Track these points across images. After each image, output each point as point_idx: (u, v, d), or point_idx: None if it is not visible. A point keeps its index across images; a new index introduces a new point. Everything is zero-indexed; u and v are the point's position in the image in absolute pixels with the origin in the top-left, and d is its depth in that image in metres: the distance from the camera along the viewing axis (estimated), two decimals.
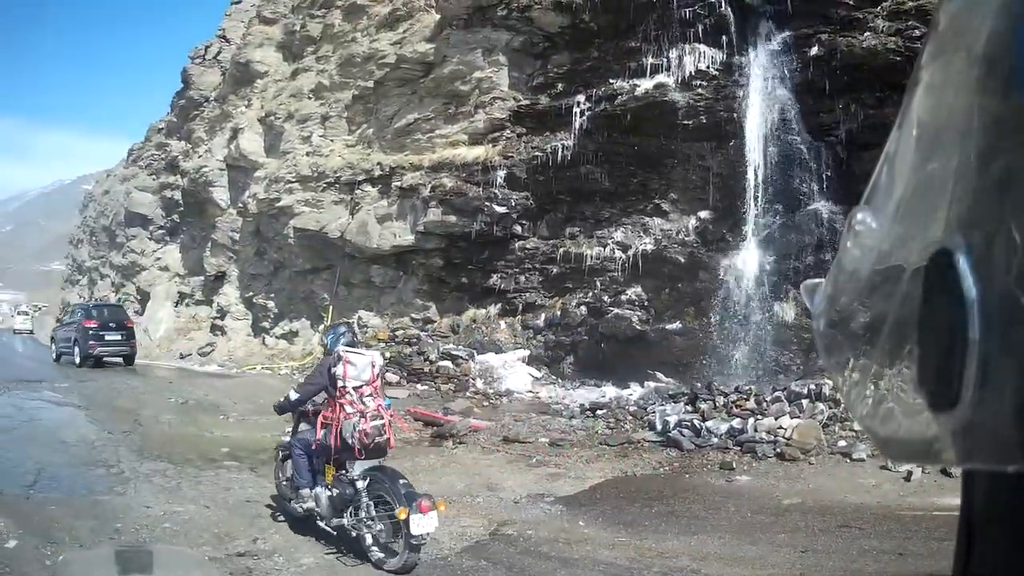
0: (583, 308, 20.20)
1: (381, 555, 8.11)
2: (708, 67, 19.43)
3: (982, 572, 0.84)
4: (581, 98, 20.73)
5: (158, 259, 42.49)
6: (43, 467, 12.64)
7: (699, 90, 19.35)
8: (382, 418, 8.31)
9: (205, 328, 36.11)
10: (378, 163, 25.87)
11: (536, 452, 14.09)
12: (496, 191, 21.59)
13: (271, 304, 31.35)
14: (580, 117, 20.53)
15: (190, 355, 33.46)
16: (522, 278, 21.57)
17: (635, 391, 17.85)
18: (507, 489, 11.70)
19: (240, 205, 33.24)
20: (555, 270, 20.95)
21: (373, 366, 8.63)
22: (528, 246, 21.57)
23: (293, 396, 9.06)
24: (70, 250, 70.49)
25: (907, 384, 0.74)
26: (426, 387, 20.26)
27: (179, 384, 24.26)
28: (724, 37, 19.43)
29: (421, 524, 7.63)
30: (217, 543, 8.83)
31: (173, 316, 38.28)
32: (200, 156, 37.78)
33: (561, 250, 20.74)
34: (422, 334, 22.53)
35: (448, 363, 20.50)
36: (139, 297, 43.26)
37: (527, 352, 20.51)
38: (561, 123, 20.98)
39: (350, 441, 8.15)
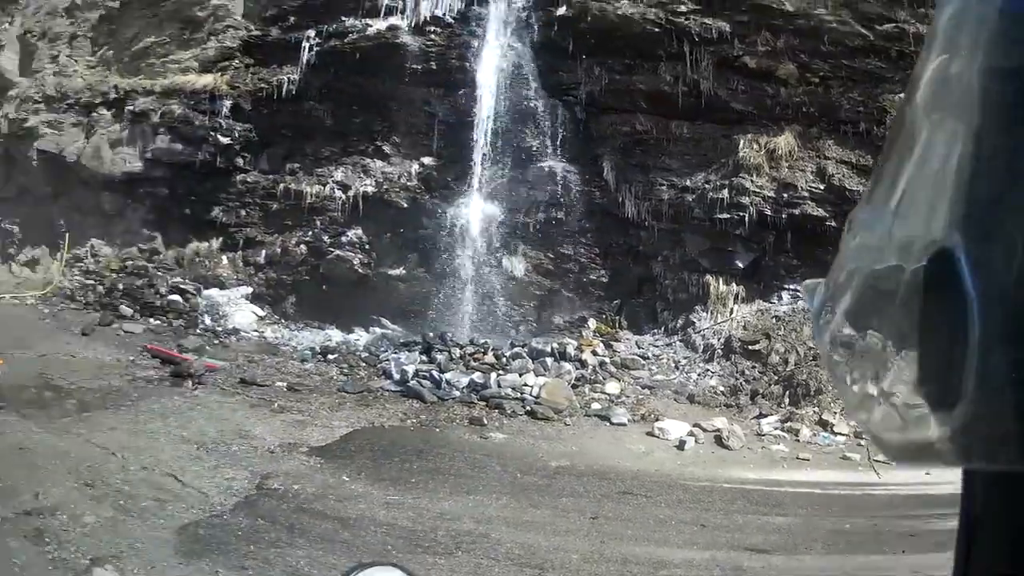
0: (303, 247, 19.25)
1: None
2: (444, 14, 18.54)
3: (982, 572, 0.82)
4: (311, 32, 19.44)
5: None
6: None
7: (432, 36, 18.46)
8: None
9: None
10: (114, 86, 23.97)
11: (276, 397, 13.37)
12: (221, 121, 20.28)
13: (16, 230, 28.54)
14: (308, 52, 19.32)
15: None
16: (243, 212, 20.36)
17: (361, 336, 17.16)
18: (258, 437, 11.14)
19: None
20: (275, 206, 19.86)
21: None
22: (249, 180, 20.36)
23: None
24: None
25: (907, 384, 0.71)
26: (159, 322, 18.82)
27: None
28: None
29: None
30: (3, 499, 8.09)
31: None
32: None
33: (281, 186, 19.63)
34: (149, 266, 21.22)
35: (178, 297, 19.29)
36: None
37: (250, 289, 19.45)
38: (289, 57, 19.67)
39: None
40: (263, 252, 19.88)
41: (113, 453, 9.90)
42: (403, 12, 18.81)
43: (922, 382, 0.68)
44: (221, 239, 20.73)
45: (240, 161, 20.44)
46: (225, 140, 20.22)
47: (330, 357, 15.77)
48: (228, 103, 20.32)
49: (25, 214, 28.30)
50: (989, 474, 0.76)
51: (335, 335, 17.36)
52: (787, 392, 13.55)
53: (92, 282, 22.15)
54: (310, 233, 19.21)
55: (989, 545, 0.81)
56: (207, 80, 21.05)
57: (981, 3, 0.68)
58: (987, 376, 0.60)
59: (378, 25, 18.83)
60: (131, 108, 22.68)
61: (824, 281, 1.03)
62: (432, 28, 18.56)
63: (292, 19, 20.54)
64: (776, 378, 13.97)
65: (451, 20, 18.60)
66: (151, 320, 19.03)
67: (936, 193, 0.69)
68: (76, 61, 26.60)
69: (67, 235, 24.60)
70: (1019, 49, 0.63)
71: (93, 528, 7.62)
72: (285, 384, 14.06)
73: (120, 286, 20.65)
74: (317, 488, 9.28)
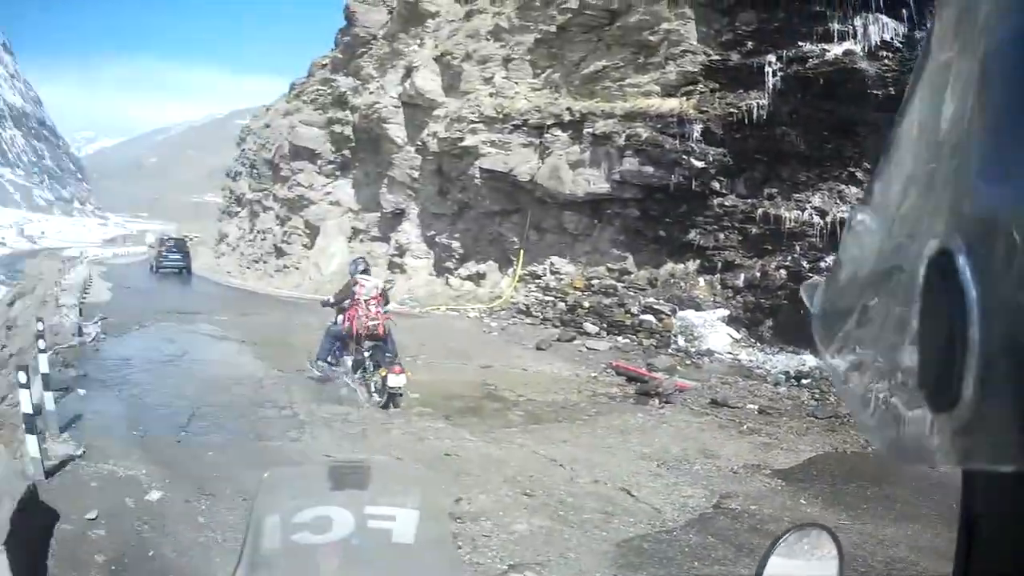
0: (782, 272, 20.33)
1: (377, 398, 13.57)
2: (892, 39, 19.51)
3: (982, 572, 0.90)
4: (772, 58, 20.90)
5: (328, 193, 43.25)
6: (200, 407, 12.55)
7: (885, 61, 19.50)
8: (376, 319, 14.26)
9: (382, 265, 36.26)
10: (567, 108, 26.09)
11: (746, 418, 13.78)
12: (693, 145, 21.88)
13: (455, 244, 31.78)
14: (772, 77, 20.74)
15: None
16: (721, 236, 21.86)
17: None
18: (723, 457, 11.38)
19: (419, 143, 33.77)
20: (754, 230, 21.17)
21: (376, 288, 14.85)
22: (726, 203, 21.82)
23: (331, 299, 15.37)
24: (227, 182, 70.71)
25: (907, 384, 0.77)
26: (627, 340, 20.44)
27: None
28: (904, 10, 19.30)
29: (393, 380, 13.15)
30: None
31: (346, 251, 38.63)
32: (372, 92, 38.43)
33: (760, 210, 20.92)
34: (619, 285, 23.06)
35: (650, 317, 20.92)
36: (307, 231, 44.25)
37: (727, 312, 20.76)
38: (753, 82, 21.22)
39: (359, 330, 14.21)
40: (741, 275, 21.32)
41: (561, 465, 10.28)
42: (855, 37, 19.93)
43: (922, 382, 0.73)
44: (698, 261, 22.41)
45: (716, 185, 22.05)
46: (699, 164, 21.90)
47: (803, 382, 16.53)
48: (698, 127, 22.01)
49: (466, 230, 31.11)
50: (989, 474, 0.80)
51: (809, 360, 18.02)
52: None
53: (551, 298, 24.20)
54: (789, 258, 20.43)
55: (989, 545, 0.88)
56: (672, 104, 22.91)
57: (981, 3, 0.73)
58: (987, 377, 0.64)
59: (834, 50, 20.09)
60: (590, 130, 24.80)
61: (824, 281, 1.10)
62: (884, 53, 19.64)
63: (750, 44, 22.11)
64: None
65: (899, 45, 19.54)
66: (618, 339, 20.69)
67: (936, 194, 0.75)
68: (516, 83, 29.37)
69: (520, 252, 26.94)
70: (1018, 52, 0.67)
71: (521, 536, 7.82)
72: (756, 407, 14.61)
73: (585, 304, 22.61)
74: (774, 510, 9.38)
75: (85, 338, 18.70)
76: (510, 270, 28.22)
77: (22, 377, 9.08)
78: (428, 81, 33.73)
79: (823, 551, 2.05)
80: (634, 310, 21.46)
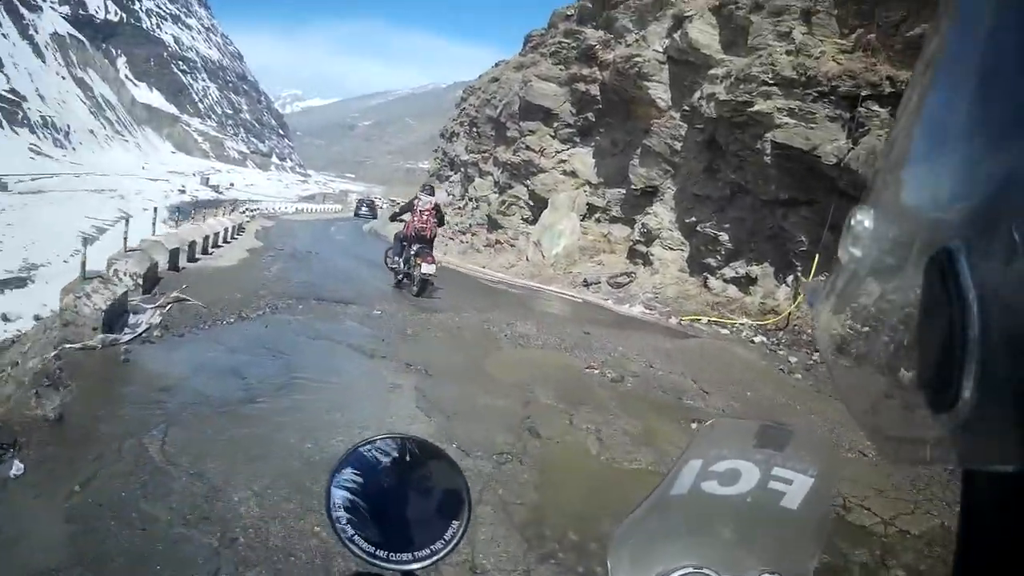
0: None
1: (415, 289, 21.22)
2: None
3: (982, 572, 0.88)
4: None
5: (563, 161, 41.76)
6: (254, 537, 6.33)
7: None
8: (425, 224, 21.58)
9: (620, 252, 35.00)
10: (887, 77, 23.54)
11: None
12: None
13: (723, 237, 29.20)
14: None
15: (597, 283, 31.98)
16: None
17: None
18: None
19: (686, 108, 31.57)
20: None
21: (430, 203, 21.88)
22: None
23: (397, 211, 24.14)
24: (441, 143, 70.35)
25: (906, 384, 0.79)
26: None
27: (599, 336, 18.17)
28: None
29: (425, 268, 20.75)
30: None
31: (578, 231, 37.13)
32: (628, 46, 36.42)
33: None
34: None
35: None
36: (531, 203, 42.77)
37: None
38: None
39: (411, 231, 21.67)
40: None
41: None
42: None
43: (921, 382, 0.75)
44: None
45: None
46: None
47: None
48: None
49: (738, 220, 28.48)
50: (989, 474, 0.81)
51: None
52: None
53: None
54: None
55: (989, 545, 0.86)
56: None
57: (980, 4, 0.75)
58: (987, 376, 0.66)
59: None
60: None
61: (825, 281, 1.05)
62: None
63: None
64: None
65: None
66: None
67: (937, 193, 0.76)
68: (820, 41, 26.55)
69: (816, 256, 24.05)
70: (1020, 50, 0.68)
71: None
72: None
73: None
74: None
75: (123, 334, 12.54)
76: (790, 278, 25.69)
77: None
78: (704, 33, 31.34)
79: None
80: None
